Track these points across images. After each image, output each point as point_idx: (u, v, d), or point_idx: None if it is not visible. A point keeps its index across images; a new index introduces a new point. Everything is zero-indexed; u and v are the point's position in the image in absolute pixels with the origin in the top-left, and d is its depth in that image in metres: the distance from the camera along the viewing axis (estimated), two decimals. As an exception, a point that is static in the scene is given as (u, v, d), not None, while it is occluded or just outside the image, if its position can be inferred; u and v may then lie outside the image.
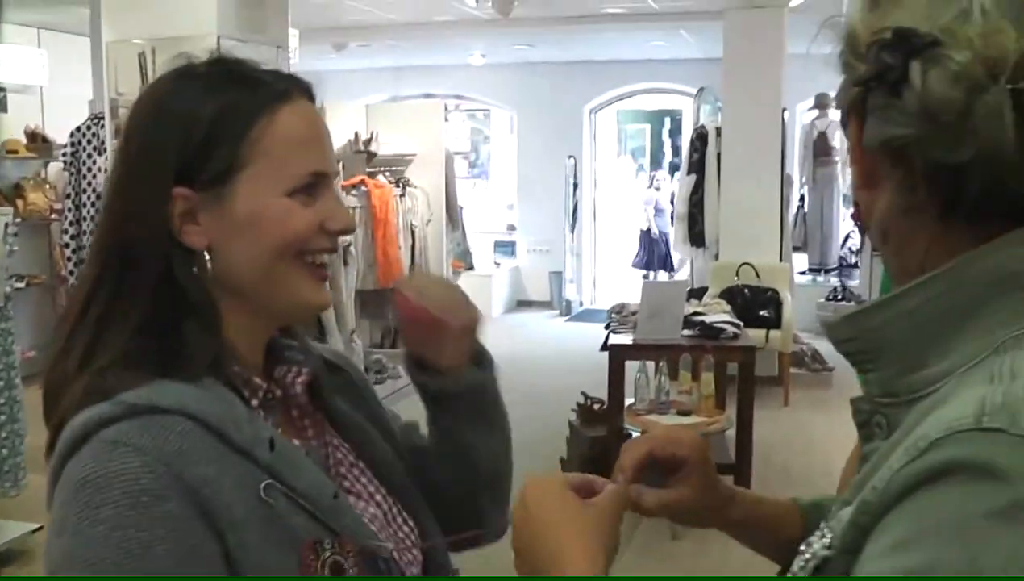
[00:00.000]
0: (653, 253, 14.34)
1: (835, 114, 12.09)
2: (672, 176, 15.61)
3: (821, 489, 5.94)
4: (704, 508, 1.20)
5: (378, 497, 1.28)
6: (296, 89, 1.21)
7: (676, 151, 19.01)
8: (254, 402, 1.18)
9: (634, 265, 14.45)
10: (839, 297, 11.21)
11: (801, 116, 12.42)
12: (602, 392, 5.96)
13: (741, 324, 6.21)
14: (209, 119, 1.14)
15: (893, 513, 0.75)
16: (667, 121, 19.45)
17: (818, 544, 0.87)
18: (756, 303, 8.23)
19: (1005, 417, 0.73)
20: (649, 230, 14.46)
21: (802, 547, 0.90)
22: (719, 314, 6.28)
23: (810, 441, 7.21)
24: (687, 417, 5.55)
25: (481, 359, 1.39)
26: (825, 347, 9.55)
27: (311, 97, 1.23)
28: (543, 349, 10.90)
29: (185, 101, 1.15)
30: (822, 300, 11.21)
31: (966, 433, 0.73)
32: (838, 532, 0.83)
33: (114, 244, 1.15)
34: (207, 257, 1.16)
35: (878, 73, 0.83)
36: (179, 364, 1.10)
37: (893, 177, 0.86)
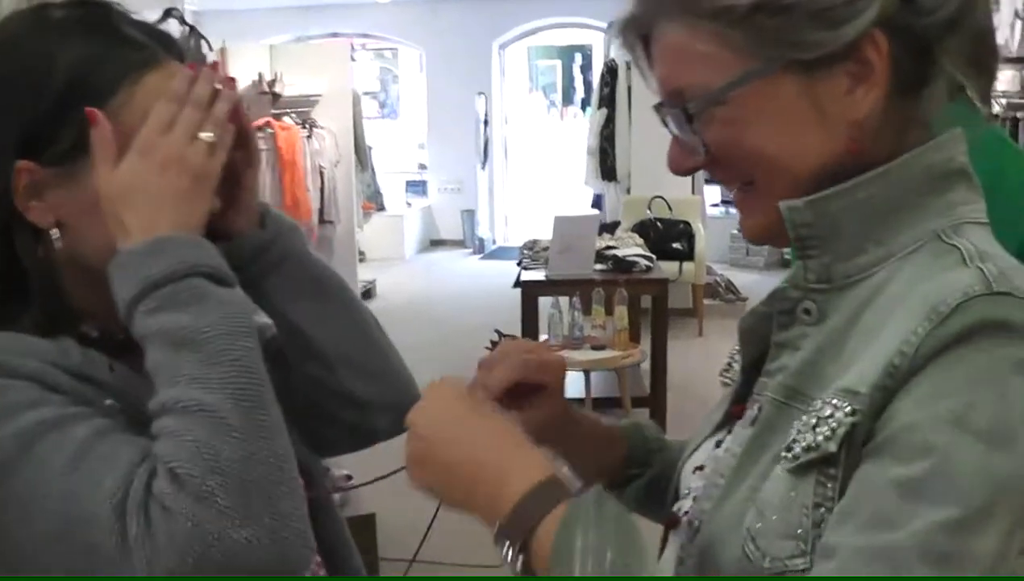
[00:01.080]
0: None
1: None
2: (584, 112, 15.57)
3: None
4: (550, 428, 1.17)
5: None
6: (164, 51, 1.09)
7: (588, 87, 18.96)
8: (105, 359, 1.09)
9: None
10: (751, 228, 11.28)
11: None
12: (516, 329, 5.93)
13: (654, 257, 6.23)
14: (61, 85, 1.03)
15: (923, 373, 0.83)
16: (578, 56, 19.37)
17: (810, 434, 0.88)
18: (669, 236, 8.24)
19: (1006, 283, 0.84)
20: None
21: (792, 442, 0.90)
22: (632, 248, 6.28)
23: (715, 364, 7.25)
24: (602, 351, 5.56)
25: (265, 220, 1.21)
26: (738, 277, 9.65)
27: (181, 57, 1.12)
28: (457, 288, 10.82)
29: (33, 57, 1.04)
30: (734, 232, 11.29)
31: (981, 298, 0.83)
32: (859, 401, 0.86)
33: None
34: (55, 234, 1.06)
35: None
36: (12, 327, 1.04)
37: (885, 63, 0.92)
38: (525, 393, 1.13)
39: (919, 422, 0.81)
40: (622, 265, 5.89)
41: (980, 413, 0.80)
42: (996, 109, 5.08)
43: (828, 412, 0.88)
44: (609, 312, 5.63)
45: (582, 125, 13.78)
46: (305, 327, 1.21)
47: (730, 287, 9.19)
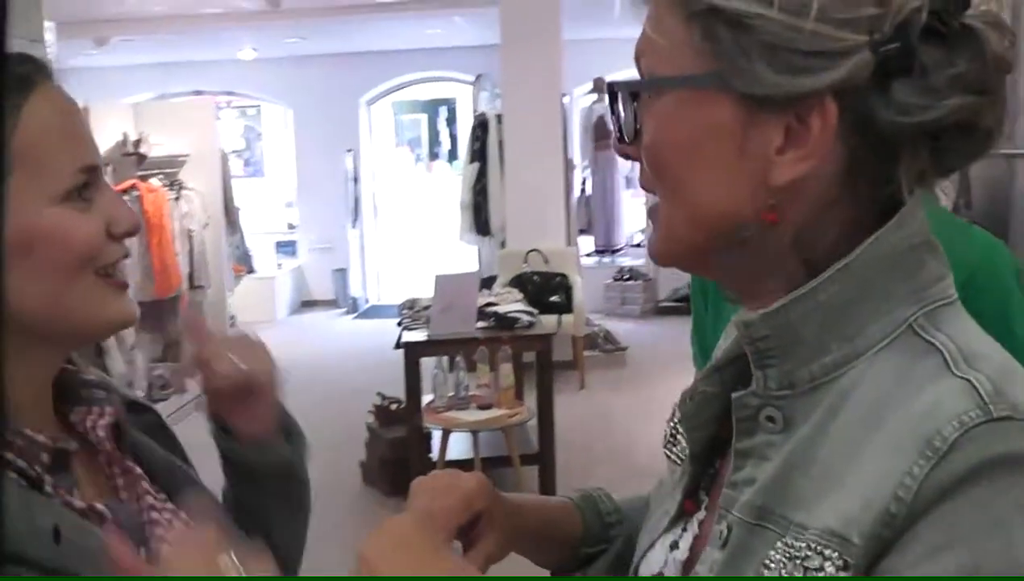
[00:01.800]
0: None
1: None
2: (452, 164, 15.54)
3: (624, 470, 6.02)
4: (510, 536, 1.11)
5: None
6: (37, 72, 0.99)
7: (453, 140, 19.02)
8: (39, 472, 0.96)
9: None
10: (627, 277, 11.39)
11: (579, 100, 12.52)
12: (398, 391, 5.80)
13: (536, 312, 6.17)
14: None
15: (923, 521, 0.75)
16: (443, 110, 19.43)
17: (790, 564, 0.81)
18: (547, 289, 8.21)
19: (1004, 403, 0.76)
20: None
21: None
22: (512, 303, 6.21)
23: (609, 422, 7.24)
24: (488, 411, 5.48)
25: (291, 432, 1.24)
26: (616, 327, 9.68)
27: (51, 76, 1.02)
28: (333, 349, 10.60)
29: None
30: (609, 281, 11.37)
31: (980, 427, 0.75)
32: (851, 553, 0.77)
33: None
34: None
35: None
36: None
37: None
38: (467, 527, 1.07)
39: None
40: (504, 322, 5.81)
41: (989, 565, 0.73)
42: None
43: (816, 561, 0.79)
44: (493, 370, 5.55)
45: (450, 178, 13.76)
46: (278, 528, 1.23)
47: (609, 337, 9.20)
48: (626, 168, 12.30)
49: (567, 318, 8.14)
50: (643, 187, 0.93)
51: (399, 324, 6.10)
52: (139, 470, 1.09)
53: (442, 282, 5.73)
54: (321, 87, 12.83)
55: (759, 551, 0.84)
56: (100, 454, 1.06)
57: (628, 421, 7.21)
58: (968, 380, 0.78)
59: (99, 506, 1.01)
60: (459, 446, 5.75)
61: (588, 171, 12.04)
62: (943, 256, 0.88)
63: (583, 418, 7.17)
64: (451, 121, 19.12)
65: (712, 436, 0.98)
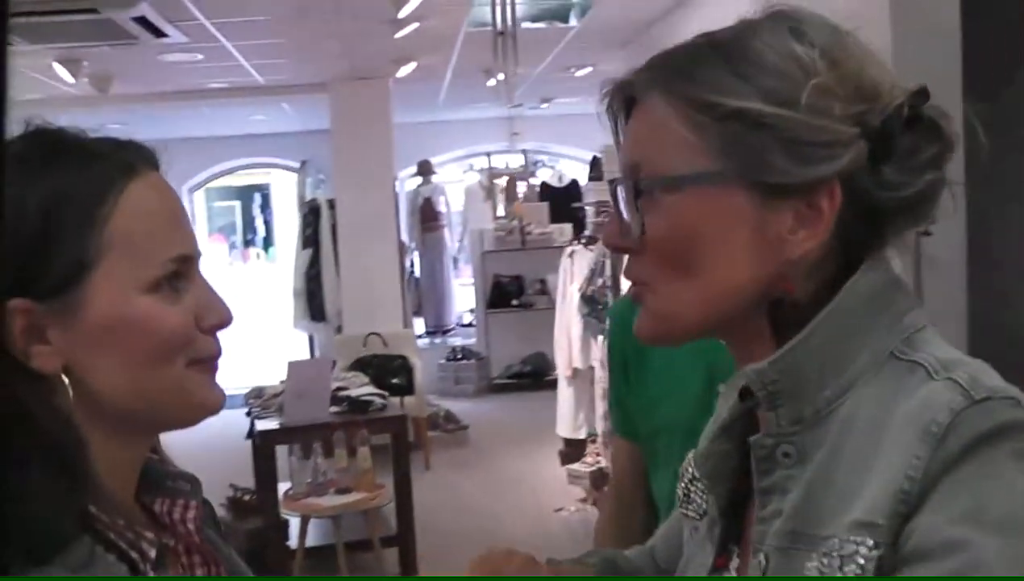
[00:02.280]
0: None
1: (438, 179, 12.47)
2: (267, 252, 15.37)
3: (482, 545, 6.00)
4: None
5: None
6: (141, 158, 1.01)
7: (268, 227, 18.80)
8: (145, 567, 0.95)
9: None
10: (459, 356, 11.46)
11: (406, 183, 12.63)
12: (249, 481, 5.70)
13: (387, 395, 6.17)
14: (39, 211, 0.92)
15: (935, 490, 0.85)
16: (256, 196, 19.22)
17: (839, 574, 0.89)
18: (387, 371, 8.20)
19: (981, 388, 0.88)
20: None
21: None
22: (363, 387, 6.19)
23: (460, 501, 7.26)
24: (348, 495, 5.43)
25: None
26: (454, 406, 9.71)
27: (157, 165, 1.04)
28: (175, 442, 10.16)
29: None
30: (442, 361, 11.41)
31: (967, 410, 0.87)
32: (879, 533, 0.87)
33: None
34: (66, 381, 0.93)
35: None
36: (36, 541, 0.86)
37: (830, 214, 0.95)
38: None
39: (936, 523, 0.84)
40: (357, 405, 5.79)
41: (994, 506, 0.83)
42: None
43: (851, 549, 0.88)
44: (351, 454, 5.51)
45: (265, 267, 13.58)
46: None
47: (450, 417, 9.23)
48: (453, 249, 12.46)
49: (409, 400, 8.13)
50: (631, 278, 1.02)
51: (248, 414, 6.01)
52: (222, 565, 1.09)
53: (295, 368, 5.69)
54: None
55: (796, 570, 0.93)
56: (185, 553, 1.06)
57: (478, 500, 7.25)
58: (950, 378, 0.89)
59: None
60: (317, 533, 5.68)
61: (416, 253, 12.12)
62: (910, 290, 1.02)
63: (434, 499, 7.17)
64: (264, 207, 18.92)
65: (734, 491, 1.06)
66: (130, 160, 0.99)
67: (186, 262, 1.00)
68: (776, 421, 0.97)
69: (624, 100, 1.03)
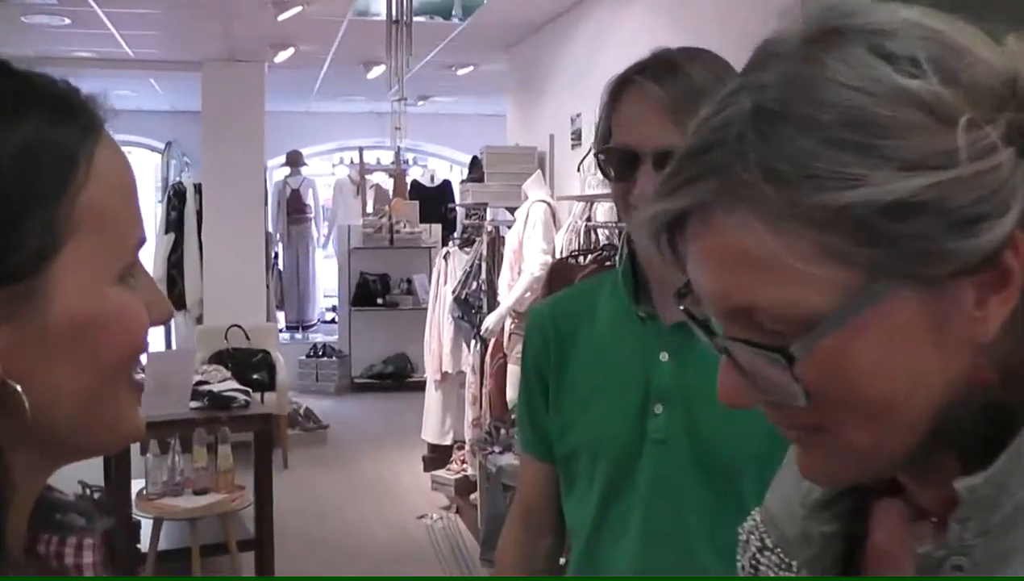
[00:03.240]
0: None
1: (307, 171, 12.17)
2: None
3: (341, 554, 5.86)
4: None
5: None
6: (97, 114, 0.80)
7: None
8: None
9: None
10: (320, 353, 11.21)
11: (273, 173, 12.30)
12: (101, 478, 5.39)
13: (250, 391, 5.93)
14: (9, 180, 0.72)
15: None
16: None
17: None
18: (248, 366, 7.95)
19: None
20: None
21: None
22: (225, 382, 5.93)
23: (318, 502, 7.05)
24: (206, 496, 5.19)
25: None
26: (314, 404, 9.47)
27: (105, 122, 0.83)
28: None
29: None
30: (303, 357, 11.15)
31: None
32: None
33: None
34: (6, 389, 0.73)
35: None
36: None
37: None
38: None
39: None
40: (220, 401, 5.53)
41: None
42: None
43: None
44: (212, 452, 5.26)
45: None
46: None
47: (310, 415, 8.99)
48: (319, 243, 12.19)
49: (270, 396, 7.89)
50: (785, 425, 0.78)
51: (101, 405, 5.69)
52: None
53: (154, 360, 5.39)
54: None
55: None
56: None
57: (337, 502, 7.06)
58: None
59: None
60: (171, 536, 5.40)
61: (281, 245, 11.83)
62: None
63: (293, 500, 6.93)
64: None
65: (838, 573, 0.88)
66: (91, 116, 0.79)
67: (141, 247, 0.82)
68: (960, 534, 0.75)
69: (668, 229, 0.77)
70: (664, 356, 1.63)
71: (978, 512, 0.74)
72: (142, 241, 0.82)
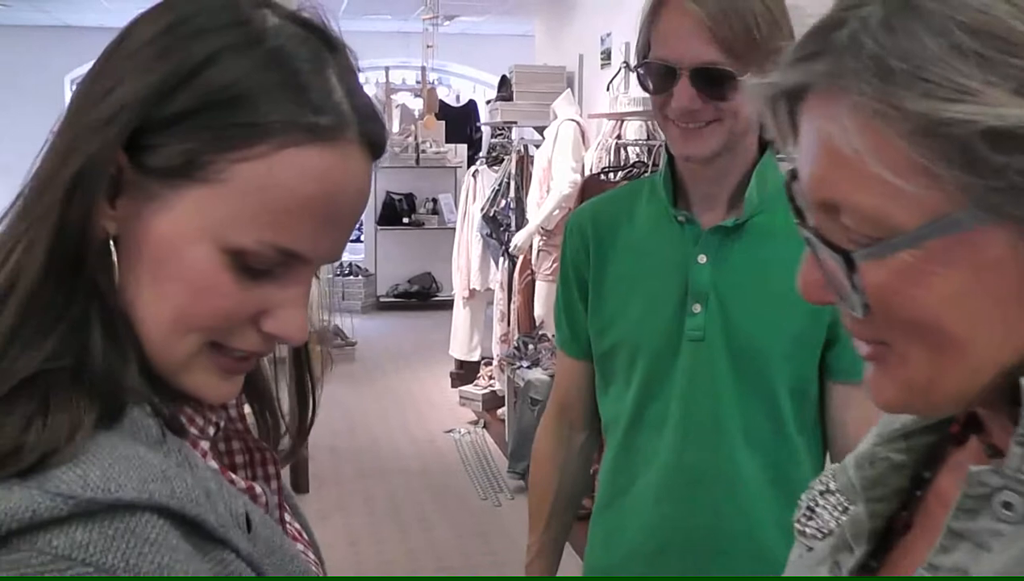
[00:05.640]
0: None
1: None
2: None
3: (371, 468, 5.97)
4: None
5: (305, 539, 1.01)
6: (351, 129, 0.82)
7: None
8: (203, 444, 0.85)
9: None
10: (347, 273, 11.29)
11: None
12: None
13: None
14: (221, 77, 0.77)
15: None
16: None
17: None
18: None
19: None
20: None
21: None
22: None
23: (348, 417, 7.16)
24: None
25: None
26: (343, 322, 9.56)
27: (375, 149, 0.85)
28: None
29: (202, 44, 0.78)
30: (329, 276, 11.21)
31: None
32: None
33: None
34: (114, 257, 0.79)
35: None
36: (106, 391, 0.75)
37: None
38: None
39: None
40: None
41: None
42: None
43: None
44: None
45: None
46: None
47: (338, 332, 9.09)
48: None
49: (299, 312, 7.97)
50: (860, 336, 0.75)
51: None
52: (268, 451, 0.98)
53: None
54: (21, 62, 11.97)
55: None
56: (233, 438, 0.97)
57: (367, 418, 7.16)
58: None
59: (257, 488, 0.90)
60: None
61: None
62: None
63: (323, 414, 6.97)
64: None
65: (890, 515, 0.85)
66: (336, 124, 0.81)
67: (291, 260, 0.81)
68: (1020, 463, 0.70)
69: (787, 99, 0.74)
70: (702, 258, 1.67)
71: None
72: (289, 253, 0.81)
